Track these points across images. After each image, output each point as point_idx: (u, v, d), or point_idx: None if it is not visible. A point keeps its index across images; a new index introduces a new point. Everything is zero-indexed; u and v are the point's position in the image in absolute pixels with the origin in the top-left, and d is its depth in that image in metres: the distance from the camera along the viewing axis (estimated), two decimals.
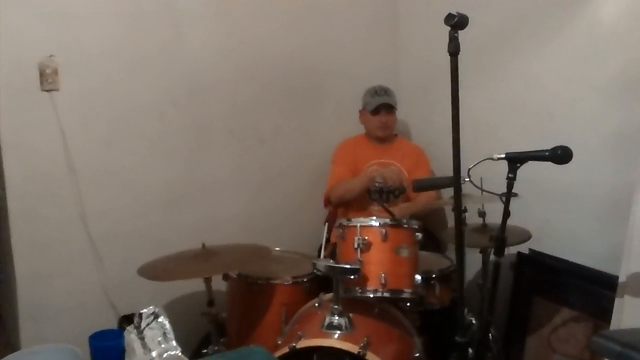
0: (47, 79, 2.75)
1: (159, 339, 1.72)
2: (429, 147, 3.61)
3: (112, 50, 2.95)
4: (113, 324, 3.00)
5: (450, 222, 3.39)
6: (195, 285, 2.61)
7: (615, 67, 2.67)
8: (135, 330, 1.73)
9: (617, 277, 2.35)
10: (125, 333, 1.76)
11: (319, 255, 2.87)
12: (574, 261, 2.90)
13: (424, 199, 3.36)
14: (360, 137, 3.59)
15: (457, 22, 1.63)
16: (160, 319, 1.76)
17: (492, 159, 2.13)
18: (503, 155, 2.12)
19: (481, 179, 2.31)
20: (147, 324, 1.75)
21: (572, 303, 2.88)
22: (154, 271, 2.49)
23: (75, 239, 2.93)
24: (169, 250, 2.67)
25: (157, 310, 1.77)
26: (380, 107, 3.41)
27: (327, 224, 2.89)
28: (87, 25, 2.87)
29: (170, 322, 1.84)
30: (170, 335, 1.74)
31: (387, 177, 3.27)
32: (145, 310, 1.77)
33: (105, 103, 2.95)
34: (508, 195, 2.13)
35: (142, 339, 1.71)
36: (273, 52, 3.44)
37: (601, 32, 2.73)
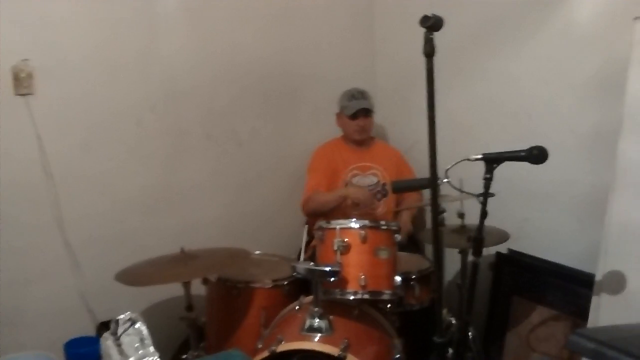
0: (21, 83, 2.71)
1: (137, 345, 1.70)
2: (406, 147, 3.62)
3: (89, 55, 2.91)
4: (91, 330, 2.96)
5: (429, 223, 3.41)
6: (174, 289, 2.58)
7: (591, 67, 2.71)
8: (112, 337, 1.71)
9: (594, 276, 2.37)
10: (102, 340, 1.74)
11: (298, 258, 2.86)
12: (552, 260, 2.93)
13: (411, 201, 3.37)
14: (337, 141, 3.57)
15: (432, 24, 1.64)
16: (137, 325, 1.74)
17: (470, 159, 2.15)
18: (480, 156, 2.14)
19: (461, 180, 2.33)
20: (124, 330, 1.73)
21: (551, 302, 2.91)
22: (132, 276, 2.46)
23: (52, 244, 2.89)
24: (148, 255, 2.64)
25: (134, 316, 1.75)
26: (358, 111, 3.40)
27: (307, 226, 2.89)
28: (63, 29, 2.83)
29: (149, 327, 1.82)
30: (148, 341, 1.72)
31: (357, 198, 3.24)
32: (122, 316, 1.75)
33: (82, 107, 2.91)
34: (485, 196, 2.14)
35: (119, 345, 1.70)
36: (250, 56, 3.43)
37: (577, 33, 2.77)
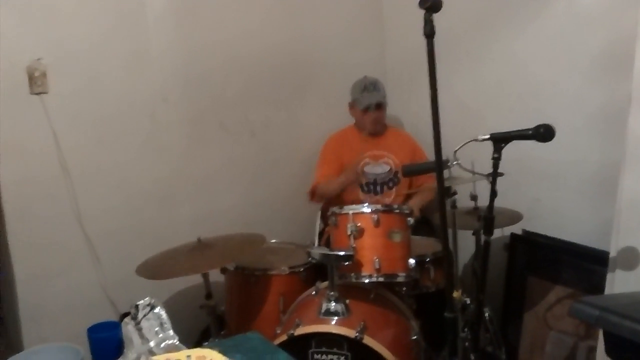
0: (36, 82, 2.75)
1: (156, 329, 1.75)
2: (418, 133, 3.63)
3: (100, 49, 2.95)
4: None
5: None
6: (193, 279, 2.63)
7: (597, 45, 2.71)
8: (132, 322, 1.76)
9: (608, 253, 2.37)
10: (123, 324, 1.79)
11: (313, 244, 2.90)
12: (566, 239, 2.94)
13: (429, 185, 3.37)
14: (350, 130, 3.57)
15: (431, 5, 1.66)
16: (156, 310, 1.78)
17: (477, 140, 2.17)
18: (487, 136, 2.16)
19: (472, 162, 2.34)
20: (144, 315, 1.77)
21: (566, 280, 2.91)
22: (152, 270, 2.50)
23: (71, 238, 2.94)
24: (165, 245, 2.69)
25: (153, 301, 1.79)
26: (371, 105, 3.39)
27: (320, 212, 2.92)
28: (73, 25, 2.87)
29: (170, 316, 1.86)
30: (167, 325, 1.77)
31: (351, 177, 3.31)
32: (141, 301, 1.80)
33: (95, 103, 2.95)
34: (494, 175, 2.16)
35: (139, 329, 1.74)
36: (259, 44, 3.45)
37: (582, 10, 2.76)
